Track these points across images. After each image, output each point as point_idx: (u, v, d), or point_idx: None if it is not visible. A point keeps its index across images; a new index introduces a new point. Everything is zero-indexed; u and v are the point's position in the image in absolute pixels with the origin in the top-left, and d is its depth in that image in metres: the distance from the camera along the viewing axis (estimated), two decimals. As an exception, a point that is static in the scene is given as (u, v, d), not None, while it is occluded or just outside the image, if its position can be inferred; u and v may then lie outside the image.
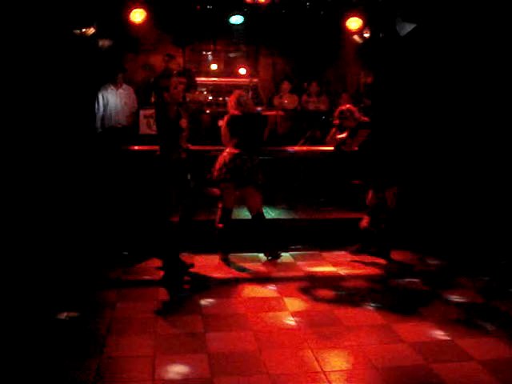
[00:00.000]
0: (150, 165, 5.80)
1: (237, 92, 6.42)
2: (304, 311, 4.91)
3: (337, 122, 6.51)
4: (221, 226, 6.24)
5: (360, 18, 9.13)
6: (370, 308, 5.01)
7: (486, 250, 6.69)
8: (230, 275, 5.84)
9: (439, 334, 4.47)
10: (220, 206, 6.31)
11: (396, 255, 6.43)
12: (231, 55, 11.77)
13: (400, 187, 6.28)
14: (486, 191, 7.42)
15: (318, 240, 6.88)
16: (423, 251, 6.70)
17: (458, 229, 6.97)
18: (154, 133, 7.56)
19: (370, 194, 6.47)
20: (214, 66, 11.68)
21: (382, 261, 6.31)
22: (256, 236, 6.39)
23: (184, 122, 5.70)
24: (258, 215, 6.30)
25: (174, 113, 5.65)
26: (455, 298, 5.27)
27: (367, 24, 9.30)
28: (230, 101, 6.33)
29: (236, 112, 6.22)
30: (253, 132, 6.22)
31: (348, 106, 6.60)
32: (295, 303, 5.09)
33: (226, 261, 6.21)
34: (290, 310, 4.91)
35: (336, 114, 6.54)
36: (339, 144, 6.55)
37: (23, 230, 6.11)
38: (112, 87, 8.76)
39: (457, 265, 6.33)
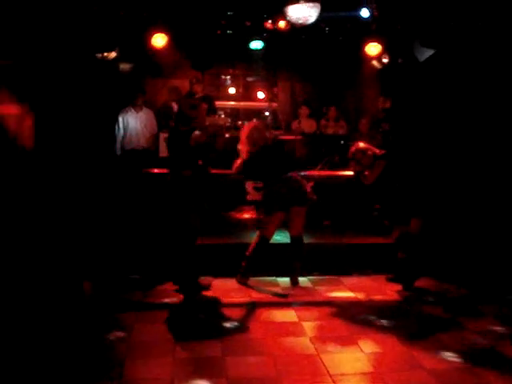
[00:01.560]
0: (171, 187, 5.84)
1: (247, 127, 6.34)
2: (323, 337, 4.87)
3: (352, 164, 6.50)
4: (253, 252, 6.21)
5: (379, 43, 9.18)
6: (390, 334, 4.96)
7: (508, 277, 6.61)
8: (249, 299, 5.83)
9: (459, 362, 4.42)
10: (259, 234, 6.27)
11: (416, 282, 6.37)
12: (250, 79, 11.87)
13: (424, 217, 6.23)
14: (507, 219, 7.35)
15: (336, 265, 6.84)
16: (443, 278, 6.62)
17: (478, 256, 6.90)
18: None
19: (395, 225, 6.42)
20: (232, 90, 11.77)
21: (400, 287, 6.25)
22: (292, 258, 6.34)
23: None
24: (299, 238, 6.29)
25: (201, 138, 5.77)
26: (476, 326, 5.21)
27: (386, 49, 9.35)
28: (242, 135, 6.28)
29: (247, 152, 6.18)
30: (274, 163, 6.21)
31: (360, 145, 6.51)
32: (314, 328, 5.06)
33: (245, 284, 6.20)
34: (309, 335, 4.88)
35: (349, 155, 6.53)
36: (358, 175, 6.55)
37: (41, 254, 6.16)
38: (132, 110, 8.86)
39: (478, 292, 6.25)
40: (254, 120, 7.45)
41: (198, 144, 5.78)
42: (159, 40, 8.69)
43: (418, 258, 6.25)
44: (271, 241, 6.31)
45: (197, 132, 5.77)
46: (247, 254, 6.20)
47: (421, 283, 6.35)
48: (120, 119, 8.78)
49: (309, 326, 5.09)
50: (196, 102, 6.44)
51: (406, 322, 5.29)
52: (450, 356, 4.53)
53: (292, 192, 6.07)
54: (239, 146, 6.26)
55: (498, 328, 5.20)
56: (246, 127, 6.35)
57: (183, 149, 5.80)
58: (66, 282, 5.85)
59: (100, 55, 8.42)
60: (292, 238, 6.32)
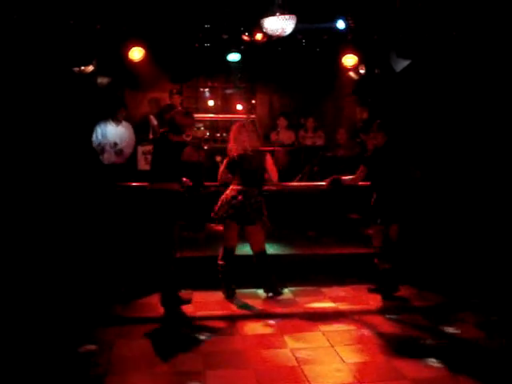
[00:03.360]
0: (155, 200, 5.78)
1: (236, 126, 6.24)
2: (304, 348, 4.87)
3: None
4: (222, 263, 6.18)
5: (355, 54, 9.26)
6: (371, 344, 4.98)
7: (485, 284, 6.66)
8: (230, 312, 5.80)
9: (441, 370, 4.44)
10: (223, 244, 6.24)
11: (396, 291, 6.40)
12: (228, 91, 11.89)
13: (401, 222, 6.27)
14: (484, 226, 7.43)
15: (317, 275, 6.85)
16: (423, 286, 6.64)
17: (457, 263, 6.96)
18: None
19: (374, 232, 6.40)
20: (211, 103, 11.78)
21: (381, 296, 6.27)
22: (257, 273, 6.26)
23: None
24: (260, 253, 6.15)
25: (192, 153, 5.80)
26: (455, 333, 5.25)
27: (363, 60, 9.44)
28: (231, 134, 6.25)
29: (234, 153, 6.11)
30: (253, 170, 6.11)
31: None
32: (295, 340, 5.05)
33: (231, 298, 6.14)
34: (290, 347, 4.87)
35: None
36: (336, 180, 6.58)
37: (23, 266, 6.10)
38: (112, 123, 8.77)
39: (458, 300, 6.29)
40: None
41: (189, 161, 5.77)
42: (137, 53, 8.68)
43: (397, 267, 6.27)
44: (248, 252, 6.28)
45: (189, 149, 5.74)
46: (217, 262, 6.20)
47: (401, 292, 6.38)
48: (98, 130, 8.65)
49: (290, 338, 5.08)
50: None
51: (387, 332, 5.31)
52: (432, 364, 4.55)
53: (243, 207, 5.96)
54: (218, 158, 6.25)
55: (477, 334, 5.24)
56: (234, 128, 6.24)
57: (173, 161, 5.76)
58: (43, 295, 5.80)
59: (77, 69, 8.38)
60: (253, 253, 6.20)
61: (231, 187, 6.10)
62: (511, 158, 7.73)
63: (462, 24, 8.31)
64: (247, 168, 6.06)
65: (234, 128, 6.25)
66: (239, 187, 6.02)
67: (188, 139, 5.90)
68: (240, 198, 5.96)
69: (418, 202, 7.25)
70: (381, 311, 5.87)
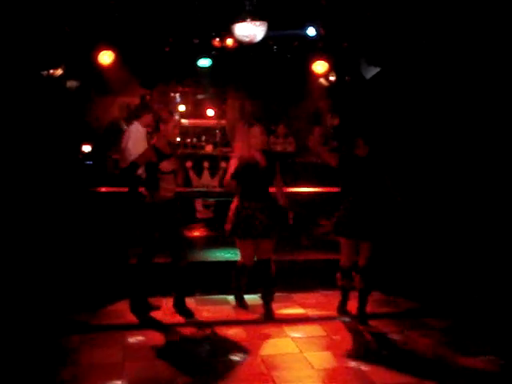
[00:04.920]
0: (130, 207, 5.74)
1: (242, 128, 5.85)
2: (273, 355, 4.85)
3: None
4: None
5: (326, 61, 9.32)
6: (340, 350, 4.98)
7: (454, 290, 6.73)
8: (199, 318, 5.75)
9: (408, 376, 4.47)
10: (238, 261, 6.01)
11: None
12: (199, 97, 11.88)
13: (374, 240, 5.86)
14: (453, 235, 7.51)
15: (288, 281, 6.81)
16: (391, 292, 6.70)
17: (425, 270, 7.02)
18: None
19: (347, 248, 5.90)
20: (182, 108, 11.75)
21: (352, 302, 6.27)
22: (259, 280, 5.93)
23: (166, 165, 5.63)
24: (267, 261, 5.82)
25: (152, 154, 5.62)
26: (423, 340, 5.29)
27: (333, 67, 9.50)
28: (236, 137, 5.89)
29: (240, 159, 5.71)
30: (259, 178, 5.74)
31: None
32: (264, 346, 5.03)
33: (244, 306, 6.10)
34: (259, 354, 4.85)
35: None
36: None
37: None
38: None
39: (425, 305, 6.34)
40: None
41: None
42: (106, 57, 8.62)
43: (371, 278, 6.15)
44: (219, 258, 6.24)
45: (165, 163, 5.63)
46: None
47: (370, 297, 6.39)
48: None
49: (258, 345, 5.06)
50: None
51: (356, 338, 5.33)
52: (399, 370, 4.58)
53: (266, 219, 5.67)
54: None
55: (444, 340, 5.29)
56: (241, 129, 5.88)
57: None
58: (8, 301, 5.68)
59: (46, 72, 8.27)
60: (258, 260, 5.89)
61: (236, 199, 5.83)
62: (478, 168, 7.85)
63: (431, 32, 8.43)
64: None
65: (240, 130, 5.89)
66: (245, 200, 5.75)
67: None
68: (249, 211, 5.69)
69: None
70: (351, 317, 5.87)
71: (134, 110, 9.24)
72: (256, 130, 5.69)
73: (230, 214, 5.79)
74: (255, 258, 5.87)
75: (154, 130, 5.96)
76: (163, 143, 5.70)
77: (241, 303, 6.11)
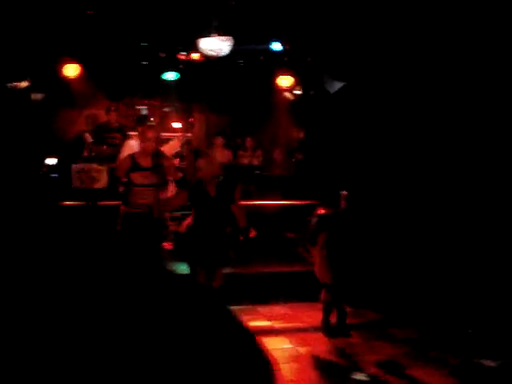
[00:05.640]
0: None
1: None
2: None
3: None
4: None
5: (291, 75, 9.44)
6: (306, 362, 5.03)
7: (418, 301, 6.85)
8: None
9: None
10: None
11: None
12: (166, 110, 11.85)
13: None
14: (416, 249, 7.66)
15: (253, 294, 6.86)
16: (359, 304, 6.76)
17: (391, 282, 7.12)
18: (85, 187, 7.55)
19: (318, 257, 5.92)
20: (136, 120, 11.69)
21: (317, 314, 6.30)
22: None
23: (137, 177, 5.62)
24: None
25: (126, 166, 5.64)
26: (386, 349, 5.38)
27: (298, 82, 9.63)
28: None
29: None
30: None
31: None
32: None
33: None
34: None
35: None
36: None
37: None
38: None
39: (389, 317, 6.44)
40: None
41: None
42: (71, 70, 8.59)
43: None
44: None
45: (137, 174, 5.66)
46: None
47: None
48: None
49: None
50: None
51: (322, 349, 5.39)
52: (364, 379, 4.65)
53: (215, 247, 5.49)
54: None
55: (407, 350, 5.38)
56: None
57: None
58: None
59: (11, 84, 8.21)
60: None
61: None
62: (436, 180, 8.06)
63: (392, 48, 8.64)
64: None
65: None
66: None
67: None
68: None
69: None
70: (317, 329, 5.93)
71: (134, 124, 9.14)
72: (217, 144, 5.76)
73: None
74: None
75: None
76: (142, 155, 5.71)
77: None
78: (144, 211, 5.67)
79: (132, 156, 5.77)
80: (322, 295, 5.89)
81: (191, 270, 5.59)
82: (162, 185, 5.80)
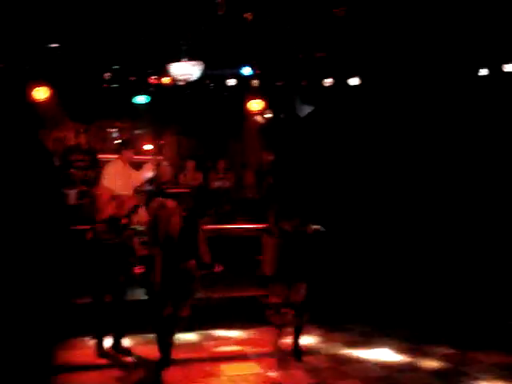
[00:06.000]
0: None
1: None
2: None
3: None
4: None
5: (261, 99, 9.52)
6: None
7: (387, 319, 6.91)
8: (135, 358, 5.68)
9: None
10: None
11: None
12: (136, 132, 11.82)
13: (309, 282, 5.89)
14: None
15: (225, 319, 6.80)
16: (330, 327, 6.81)
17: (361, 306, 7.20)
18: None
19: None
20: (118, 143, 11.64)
21: (285, 338, 6.27)
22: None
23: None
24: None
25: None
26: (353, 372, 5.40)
27: (268, 105, 9.72)
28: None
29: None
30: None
31: None
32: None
33: None
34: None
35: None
36: None
37: None
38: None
39: (362, 339, 6.48)
40: None
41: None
42: (41, 93, 8.53)
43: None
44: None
45: None
46: None
47: (309, 332, 6.47)
48: None
49: (195, 384, 5.05)
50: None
51: (291, 373, 5.38)
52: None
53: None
54: None
55: (377, 370, 5.41)
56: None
57: None
58: None
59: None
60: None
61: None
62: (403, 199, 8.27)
63: (361, 72, 8.83)
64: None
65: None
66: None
67: None
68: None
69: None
70: (287, 353, 5.91)
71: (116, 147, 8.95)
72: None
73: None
74: None
75: None
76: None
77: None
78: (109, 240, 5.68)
79: None
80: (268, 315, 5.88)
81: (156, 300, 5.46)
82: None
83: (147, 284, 5.49)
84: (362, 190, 8.77)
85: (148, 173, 8.19)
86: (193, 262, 5.49)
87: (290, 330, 5.96)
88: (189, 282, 5.45)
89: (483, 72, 8.59)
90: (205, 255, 5.56)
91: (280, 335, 6.04)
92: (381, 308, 7.31)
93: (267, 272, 5.78)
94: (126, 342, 5.96)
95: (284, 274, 5.69)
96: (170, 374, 5.28)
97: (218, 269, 5.60)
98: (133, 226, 6.54)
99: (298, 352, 5.82)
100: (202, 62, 7.42)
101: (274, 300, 5.88)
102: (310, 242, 5.82)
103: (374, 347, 6.12)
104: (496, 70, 8.40)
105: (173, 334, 5.47)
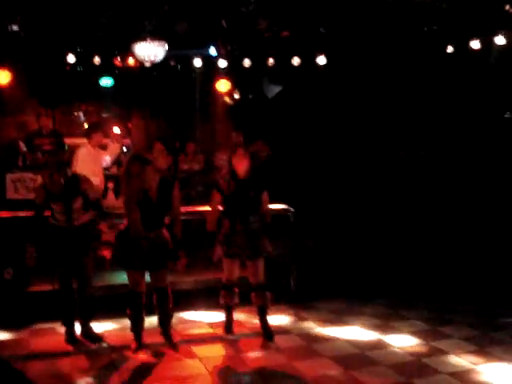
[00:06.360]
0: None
1: None
2: (183, 377, 4.83)
3: None
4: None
5: (228, 80, 9.46)
6: (249, 368, 5.03)
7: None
8: (109, 343, 5.64)
9: None
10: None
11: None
12: (104, 115, 11.65)
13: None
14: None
15: (195, 301, 6.75)
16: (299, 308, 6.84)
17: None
18: (21, 197, 7.30)
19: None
20: (85, 126, 11.48)
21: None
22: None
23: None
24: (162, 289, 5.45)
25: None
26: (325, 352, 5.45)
27: (236, 86, 9.66)
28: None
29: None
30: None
31: None
32: (173, 369, 5.00)
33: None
34: (169, 376, 4.82)
35: None
36: None
37: None
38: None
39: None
40: None
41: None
42: (3, 77, 8.35)
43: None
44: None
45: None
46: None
47: (282, 312, 6.53)
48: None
49: (168, 366, 5.02)
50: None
51: (263, 355, 5.40)
52: None
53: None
54: None
55: (346, 350, 5.46)
56: None
57: None
58: None
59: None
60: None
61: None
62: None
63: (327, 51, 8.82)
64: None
65: None
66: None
67: None
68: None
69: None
70: (258, 334, 5.90)
71: (84, 131, 8.75)
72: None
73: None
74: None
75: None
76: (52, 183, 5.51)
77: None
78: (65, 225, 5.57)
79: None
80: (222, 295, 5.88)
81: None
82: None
83: (119, 256, 5.40)
84: (332, 170, 8.81)
85: (114, 153, 8.12)
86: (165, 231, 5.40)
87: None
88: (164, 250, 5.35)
89: (450, 49, 8.68)
90: (177, 225, 5.45)
91: (230, 316, 5.98)
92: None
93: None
94: (98, 327, 5.89)
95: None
96: (143, 359, 5.24)
97: (182, 263, 5.45)
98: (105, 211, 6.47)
99: (267, 333, 5.80)
100: (165, 42, 7.31)
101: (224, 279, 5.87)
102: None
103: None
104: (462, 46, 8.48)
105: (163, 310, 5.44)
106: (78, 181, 5.60)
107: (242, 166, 5.67)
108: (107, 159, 8.32)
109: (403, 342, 5.68)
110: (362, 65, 8.34)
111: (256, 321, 5.97)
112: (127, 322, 5.49)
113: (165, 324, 5.54)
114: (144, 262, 5.25)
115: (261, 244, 5.72)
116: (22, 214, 6.51)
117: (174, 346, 5.46)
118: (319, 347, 5.54)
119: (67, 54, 8.82)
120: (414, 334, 5.90)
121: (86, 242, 5.66)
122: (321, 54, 8.83)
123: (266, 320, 5.87)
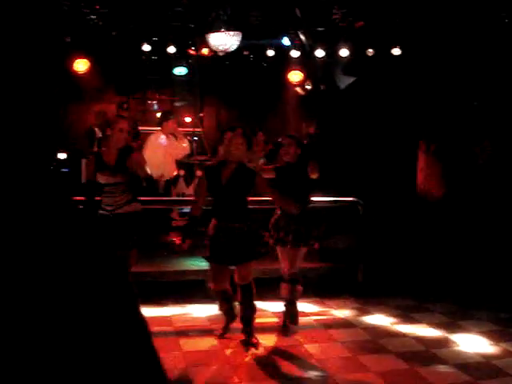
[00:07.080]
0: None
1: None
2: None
3: None
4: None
5: (301, 70, 9.41)
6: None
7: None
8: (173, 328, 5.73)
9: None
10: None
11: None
12: (176, 104, 11.85)
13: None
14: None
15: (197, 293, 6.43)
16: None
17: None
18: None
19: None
20: (159, 115, 11.70)
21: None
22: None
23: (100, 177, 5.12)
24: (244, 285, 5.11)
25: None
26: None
27: (309, 77, 9.60)
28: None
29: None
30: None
31: None
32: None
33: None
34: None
35: None
36: None
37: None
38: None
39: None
40: None
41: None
42: (81, 65, 8.62)
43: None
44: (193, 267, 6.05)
45: (99, 175, 5.15)
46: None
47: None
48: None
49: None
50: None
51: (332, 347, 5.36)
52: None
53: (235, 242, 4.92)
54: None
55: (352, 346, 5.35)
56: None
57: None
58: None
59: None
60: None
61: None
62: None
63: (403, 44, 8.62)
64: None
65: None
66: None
67: None
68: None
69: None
70: (324, 325, 5.85)
71: (158, 120, 8.83)
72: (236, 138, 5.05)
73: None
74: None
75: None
76: (107, 152, 5.14)
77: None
78: (113, 213, 5.17)
79: (96, 154, 5.39)
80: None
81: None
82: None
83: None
84: (405, 164, 8.61)
85: (185, 145, 8.18)
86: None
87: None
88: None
89: None
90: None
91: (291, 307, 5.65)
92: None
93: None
94: (166, 311, 6.00)
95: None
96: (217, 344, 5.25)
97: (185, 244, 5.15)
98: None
99: (292, 317, 5.56)
100: (240, 33, 7.34)
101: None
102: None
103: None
104: None
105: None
106: (131, 151, 5.22)
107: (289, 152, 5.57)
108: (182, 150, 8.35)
109: (471, 341, 5.50)
110: (438, 57, 8.10)
111: (321, 310, 5.88)
112: (194, 308, 5.51)
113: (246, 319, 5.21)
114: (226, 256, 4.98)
115: (305, 231, 5.43)
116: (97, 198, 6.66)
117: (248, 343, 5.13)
118: (385, 342, 5.45)
119: (142, 44, 9.00)
120: (483, 334, 5.70)
121: (128, 234, 5.16)
122: (396, 46, 8.66)
123: (295, 309, 5.58)
